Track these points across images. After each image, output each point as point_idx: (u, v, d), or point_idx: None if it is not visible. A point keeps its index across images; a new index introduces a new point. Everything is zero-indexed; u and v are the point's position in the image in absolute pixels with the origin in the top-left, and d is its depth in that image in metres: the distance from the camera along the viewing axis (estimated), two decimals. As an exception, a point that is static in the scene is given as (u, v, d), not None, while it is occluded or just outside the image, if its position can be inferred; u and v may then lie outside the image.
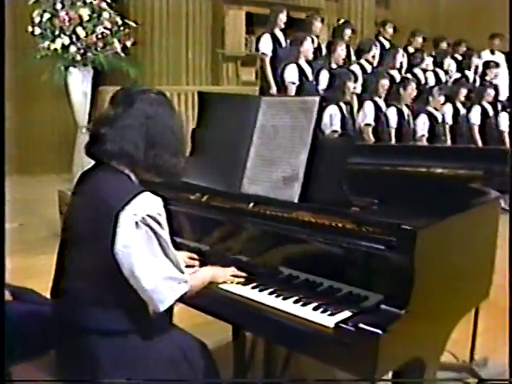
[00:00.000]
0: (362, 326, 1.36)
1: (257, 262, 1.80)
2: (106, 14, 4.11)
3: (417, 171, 2.03)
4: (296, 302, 1.57)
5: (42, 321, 1.71)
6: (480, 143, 6.21)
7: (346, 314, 1.47)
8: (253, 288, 1.68)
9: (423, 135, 5.78)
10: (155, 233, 1.45)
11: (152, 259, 1.45)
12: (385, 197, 1.79)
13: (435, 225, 1.52)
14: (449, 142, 6.03)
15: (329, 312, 1.48)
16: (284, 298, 1.59)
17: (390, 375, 1.64)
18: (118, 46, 4.19)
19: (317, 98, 1.88)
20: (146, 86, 1.61)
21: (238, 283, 1.72)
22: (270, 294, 1.63)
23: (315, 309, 1.52)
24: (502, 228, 2.07)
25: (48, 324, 1.64)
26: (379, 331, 1.33)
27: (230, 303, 1.67)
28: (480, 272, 1.87)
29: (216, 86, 7.51)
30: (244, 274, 1.74)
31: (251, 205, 1.88)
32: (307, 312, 1.50)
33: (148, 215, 1.44)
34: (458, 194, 1.89)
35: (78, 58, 4.07)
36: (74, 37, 3.98)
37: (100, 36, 4.05)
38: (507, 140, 6.20)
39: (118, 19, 4.26)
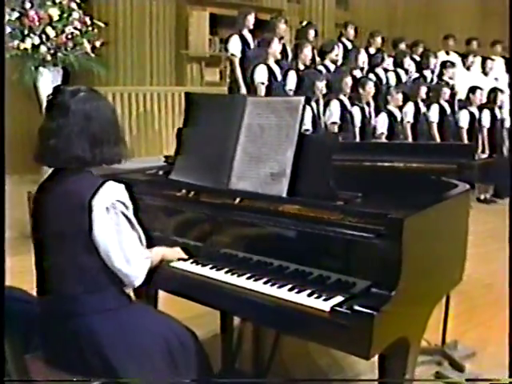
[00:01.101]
0: (356, 307, 1.48)
1: (248, 254, 1.88)
2: (75, 14, 4.11)
3: (395, 166, 2.17)
4: (290, 289, 1.66)
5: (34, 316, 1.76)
6: (438, 140, 6.49)
7: (339, 298, 1.58)
8: (247, 278, 1.76)
9: (382, 133, 5.99)
10: (124, 215, 1.64)
11: (122, 240, 1.62)
12: (366, 190, 1.91)
13: (418, 214, 1.64)
14: (410, 140, 6.27)
15: (323, 297, 1.59)
16: (279, 287, 1.68)
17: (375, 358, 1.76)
18: (87, 46, 4.19)
19: (302, 98, 1.98)
20: (74, 86, 1.69)
21: (233, 274, 1.80)
22: (265, 283, 1.72)
23: (309, 295, 1.62)
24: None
25: (41, 316, 1.70)
26: (373, 312, 1.44)
27: (226, 293, 1.75)
28: (455, 258, 2.02)
29: (180, 86, 7.53)
30: (186, 256, 1.92)
31: (238, 200, 1.96)
32: (303, 298, 1.60)
33: (117, 200, 1.62)
34: (434, 186, 2.04)
35: (49, 57, 4.05)
36: (43, 36, 3.96)
37: (70, 36, 4.04)
38: (465, 136, 6.50)
39: (88, 19, 4.26)
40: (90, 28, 4.24)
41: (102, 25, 4.40)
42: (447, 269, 1.94)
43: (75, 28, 4.07)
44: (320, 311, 1.53)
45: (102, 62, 4.54)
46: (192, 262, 1.92)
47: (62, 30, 4.00)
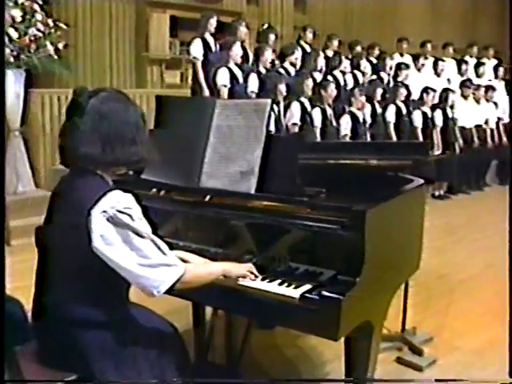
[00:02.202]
0: (325, 293, 1.60)
1: (219, 249, 1.98)
2: (38, 16, 4.10)
3: (356, 163, 2.31)
4: (262, 280, 1.78)
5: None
6: (395, 139, 6.74)
7: (308, 286, 1.70)
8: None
9: (346, 134, 6.19)
10: (128, 226, 1.53)
11: (132, 250, 1.52)
12: (330, 186, 2.04)
13: (379, 206, 1.78)
14: (368, 140, 6.49)
15: (293, 286, 1.70)
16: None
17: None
18: (50, 48, 4.18)
19: (269, 101, 2.10)
20: (100, 87, 1.69)
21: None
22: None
23: (280, 284, 1.73)
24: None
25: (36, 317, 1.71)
26: (340, 297, 1.57)
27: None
28: (412, 246, 2.18)
29: (141, 88, 7.54)
30: (256, 272, 1.78)
31: (208, 197, 2.06)
32: (274, 287, 1.72)
33: (118, 211, 1.53)
34: (392, 181, 2.19)
35: (11, 59, 4.02)
36: (6, 38, 3.93)
37: (33, 38, 4.03)
38: (420, 135, 6.78)
39: (50, 21, 4.25)
40: (52, 30, 4.23)
41: (65, 27, 4.38)
42: (406, 256, 2.10)
43: (38, 30, 4.05)
44: (291, 298, 1.65)
45: (65, 64, 4.53)
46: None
47: (24, 32, 3.98)
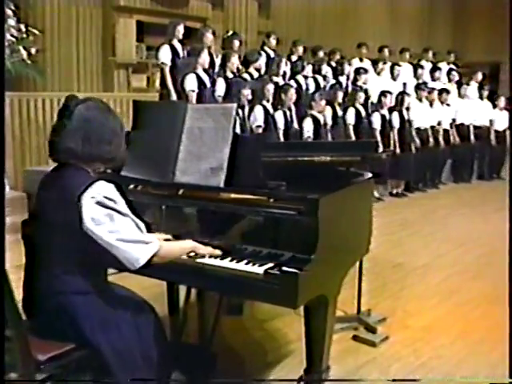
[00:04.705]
0: (285, 269, 1.87)
1: (193, 237, 2.23)
2: (11, 22, 4.23)
3: (312, 160, 2.60)
4: (231, 260, 2.04)
5: None
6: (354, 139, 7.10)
7: (270, 264, 1.96)
8: (195, 255, 2.11)
9: (309, 136, 6.51)
10: (113, 208, 1.82)
11: (117, 229, 1.81)
12: (289, 180, 2.31)
13: (330, 195, 2.07)
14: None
15: (257, 264, 1.97)
16: (221, 259, 2.05)
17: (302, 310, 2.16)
18: (24, 53, 4.32)
19: (234, 105, 2.36)
20: (88, 97, 2.01)
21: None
22: (210, 257, 2.07)
23: (246, 264, 2.00)
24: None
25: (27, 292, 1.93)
26: (298, 271, 1.85)
27: (177, 267, 2.07)
28: (362, 231, 2.48)
29: (108, 92, 7.69)
30: (220, 252, 2.07)
31: (182, 191, 2.31)
32: (241, 266, 1.98)
33: (104, 196, 1.81)
34: (343, 175, 2.49)
35: (-15, 65, 4.15)
36: (-22, 44, 4.06)
37: (6, 43, 4.16)
38: (378, 136, 7.15)
39: (22, 26, 4.40)
40: (25, 35, 4.37)
41: (38, 32, 4.53)
42: (355, 239, 2.39)
43: (11, 35, 4.18)
44: (256, 274, 1.92)
45: (36, 68, 4.67)
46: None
47: (-2, 37, 4.11)
